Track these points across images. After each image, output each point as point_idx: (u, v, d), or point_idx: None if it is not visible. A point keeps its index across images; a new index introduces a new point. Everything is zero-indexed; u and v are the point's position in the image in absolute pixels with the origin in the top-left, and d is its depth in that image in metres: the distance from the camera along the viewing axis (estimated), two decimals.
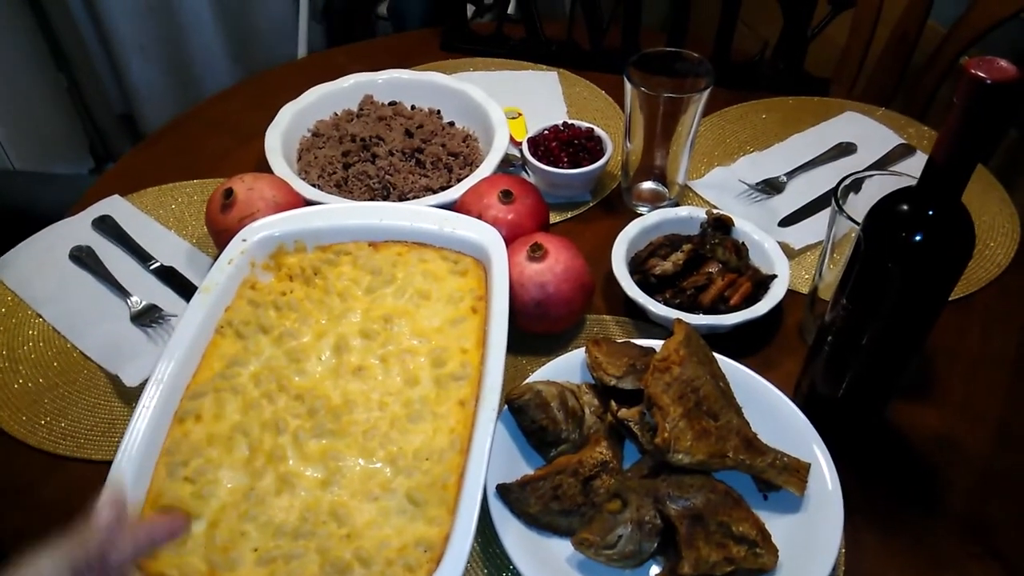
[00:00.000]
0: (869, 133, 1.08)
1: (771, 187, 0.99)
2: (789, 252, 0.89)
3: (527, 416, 0.68)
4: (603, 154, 0.96)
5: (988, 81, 0.49)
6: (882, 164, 1.03)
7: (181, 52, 2.23)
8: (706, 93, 0.85)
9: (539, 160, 0.95)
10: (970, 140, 0.52)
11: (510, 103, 1.10)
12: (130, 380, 0.76)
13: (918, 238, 0.57)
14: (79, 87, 2.24)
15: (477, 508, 0.58)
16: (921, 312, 0.61)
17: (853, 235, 0.72)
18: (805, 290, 0.86)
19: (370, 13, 1.99)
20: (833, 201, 0.72)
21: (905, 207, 0.59)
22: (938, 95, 1.25)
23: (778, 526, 0.64)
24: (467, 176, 0.96)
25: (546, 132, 0.99)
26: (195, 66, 2.28)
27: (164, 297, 0.85)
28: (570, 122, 0.99)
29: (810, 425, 0.69)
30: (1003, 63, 0.49)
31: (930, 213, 0.56)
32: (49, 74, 2.12)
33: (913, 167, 1.02)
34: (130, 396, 0.77)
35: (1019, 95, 0.49)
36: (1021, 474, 0.71)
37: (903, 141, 1.06)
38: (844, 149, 1.05)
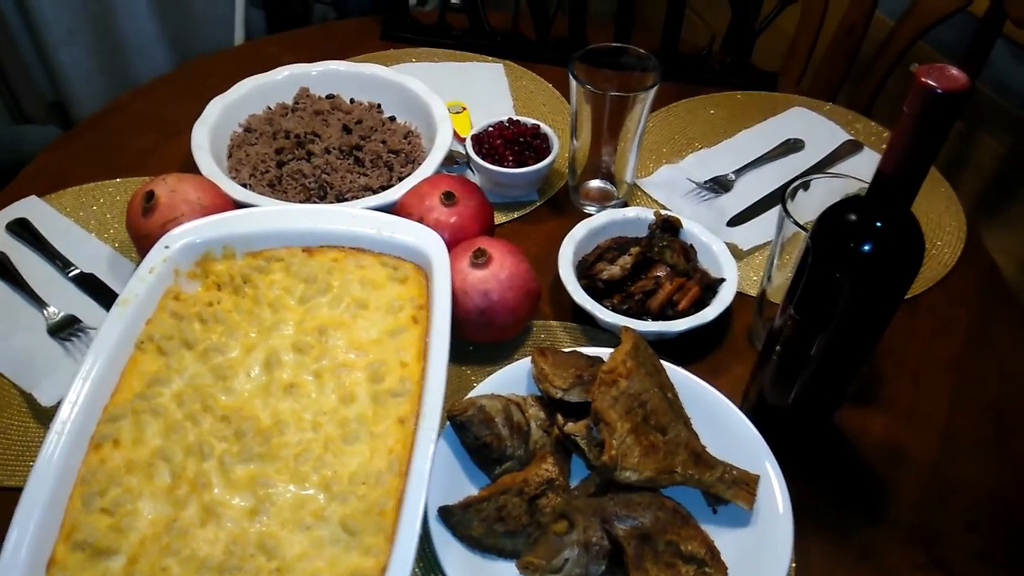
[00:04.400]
0: (816, 129, 1.07)
1: (719, 185, 0.98)
2: (737, 253, 0.87)
3: (470, 433, 0.65)
4: (549, 152, 0.93)
5: (939, 90, 0.47)
6: (829, 161, 1.02)
7: (113, 37, 2.13)
8: (653, 91, 0.83)
9: (483, 158, 0.92)
10: (921, 149, 0.50)
11: (454, 96, 1.06)
12: (46, 399, 0.71)
13: (866, 248, 0.56)
14: (4, 74, 2.12)
15: (416, 536, 0.55)
16: (870, 323, 0.60)
17: (802, 238, 0.71)
18: (753, 292, 0.84)
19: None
20: (781, 206, 0.70)
21: (853, 217, 0.57)
22: (884, 89, 1.25)
23: (728, 541, 0.63)
24: (408, 175, 0.92)
25: (491, 129, 0.95)
26: (128, 51, 2.18)
27: (84, 307, 0.80)
28: (515, 118, 0.96)
29: (759, 436, 0.67)
30: (954, 71, 0.47)
31: (878, 224, 0.55)
32: None
33: (860, 164, 1.02)
34: (46, 416, 0.72)
35: (966, 101, 0.47)
36: (964, 482, 0.71)
37: (850, 137, 1.06)
38: (791, 146, 1.03)
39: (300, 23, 1.40)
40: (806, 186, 0.73)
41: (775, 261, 0.75)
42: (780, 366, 0.66)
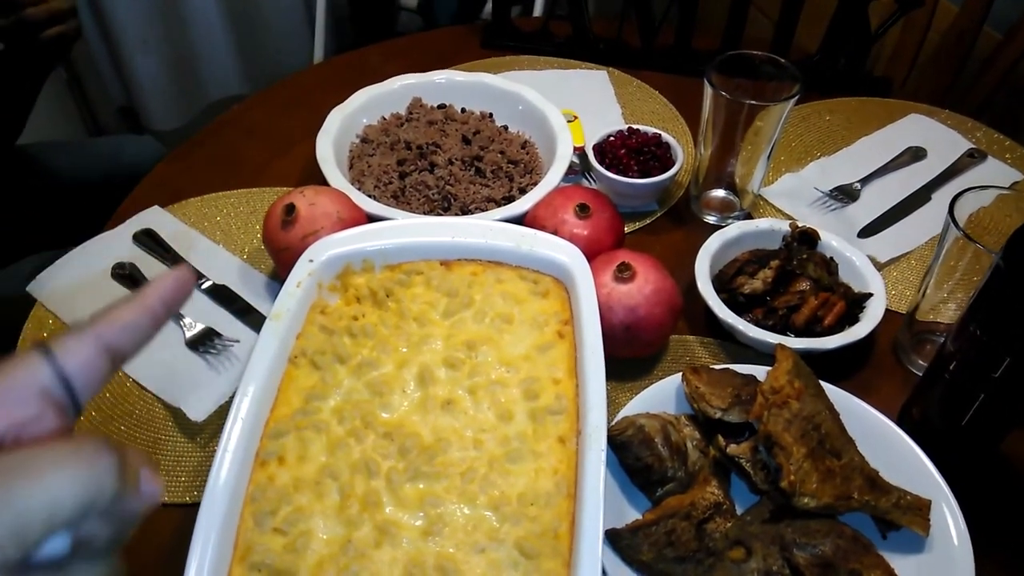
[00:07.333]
0: (936, 136, 1.04)
1: (845, 195, 0.95)
2: (876, 266, 0.85)
3: (631, 453, 0.64)
4: (673, 162, 0.91)
5: None
6: (954, 170, 0.99)
7: (185, 46, 2.16)
8: (793, 100, 0.81)
9: (607, 169, 0.90)
10: None
11: (561, 104, 1.05)
12: (195, 414, 0.71)
13: None
14: (79, 79, 2.16)
15: (599, 562, 0.53)
16: None
17: (969, 251, 0.68)
18: (894, 307, 0.82)
19: (392, 7, 1.92)
20: (949, 219, 0.68)
21: None
22: (991, 103, 1.21)
23: (902, 568, 0.61)
24: (528, 185, 0.92)
25: (611, 138, 0.94)
26: (200, 61, 2.21)
27: (218, 318, 0.80)
28: (635, 127, 0.94)
29: (927, 459, 0.65)
30: None
31: None
32: None
33: (986, 173, 0.99)
34: (194, 431, 0.72)
35: None
36: None
37: (972, 145, 1.02)
38: (915, 154, 1.01)
39: (386, 35, 1.38)
40: (960, 196, 0.71)
41: (932, 276, 0.72)
42: (956, 387, 0.64)
